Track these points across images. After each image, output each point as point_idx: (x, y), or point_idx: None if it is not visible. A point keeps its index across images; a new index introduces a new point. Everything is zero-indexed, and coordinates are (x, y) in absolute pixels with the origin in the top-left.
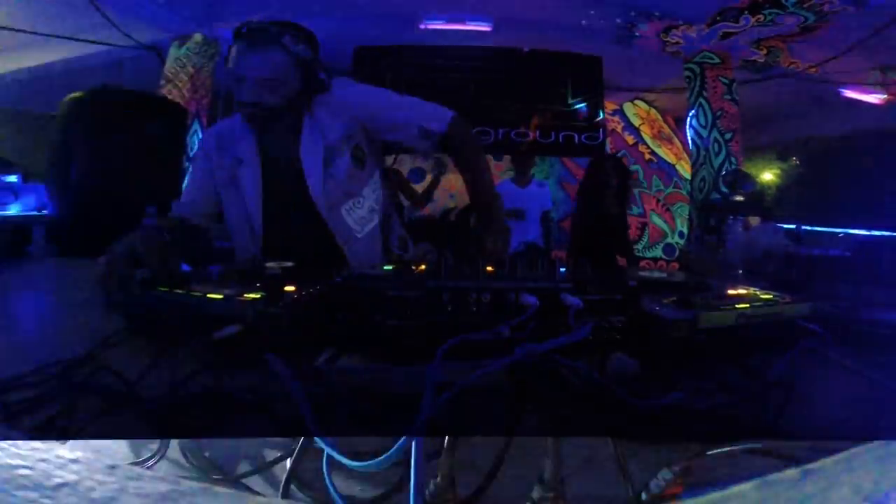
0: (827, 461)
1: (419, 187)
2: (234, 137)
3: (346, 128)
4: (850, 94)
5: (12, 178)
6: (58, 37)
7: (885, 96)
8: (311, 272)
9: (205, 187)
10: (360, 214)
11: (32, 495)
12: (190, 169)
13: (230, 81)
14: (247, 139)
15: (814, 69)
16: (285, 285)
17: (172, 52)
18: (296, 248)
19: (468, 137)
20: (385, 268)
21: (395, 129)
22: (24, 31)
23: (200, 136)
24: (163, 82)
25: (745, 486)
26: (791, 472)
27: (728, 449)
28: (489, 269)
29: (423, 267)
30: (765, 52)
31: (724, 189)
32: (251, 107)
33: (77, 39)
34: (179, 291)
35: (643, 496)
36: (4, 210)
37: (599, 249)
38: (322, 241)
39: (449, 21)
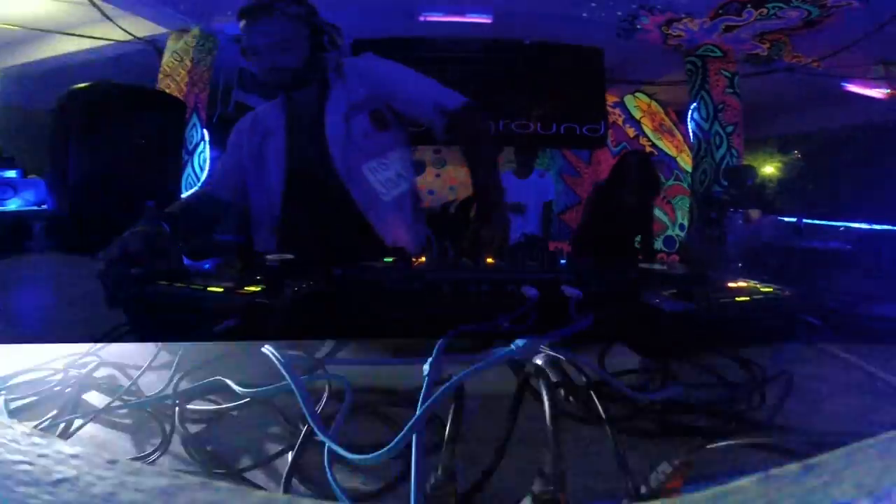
0: (828, 456)
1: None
2: (267, 115)
3: (368, 93)
4: (852, 88)
5: (11, 174)
6: (55, 32)
7: (888, 91)
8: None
9: (231, 169)
10: (386, 176)
11: (32, 491)
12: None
13: (251, 59)
14: (276, 111)
15: (817, 63)
16: (285, 278)
17: (170, 46)
18: (317, 222)
19: (480, 125)
20: (385, 259)
21: (411, 103)
22: (22, 28)
23: (199, 129)
24: (160, 76)
25: (744, 481)
26: (791, 467)
27: (728, 443)
28: (489, 260)
29: (423, 259)
30: (768, 45)
31: (724, 182)
32: (271, 72)
33: (74, 35)
34: (179, 285)
35: (643, 490)
36: (4, 205)
37: (617, 245)
38: (343, 208)
39: (448, 13)
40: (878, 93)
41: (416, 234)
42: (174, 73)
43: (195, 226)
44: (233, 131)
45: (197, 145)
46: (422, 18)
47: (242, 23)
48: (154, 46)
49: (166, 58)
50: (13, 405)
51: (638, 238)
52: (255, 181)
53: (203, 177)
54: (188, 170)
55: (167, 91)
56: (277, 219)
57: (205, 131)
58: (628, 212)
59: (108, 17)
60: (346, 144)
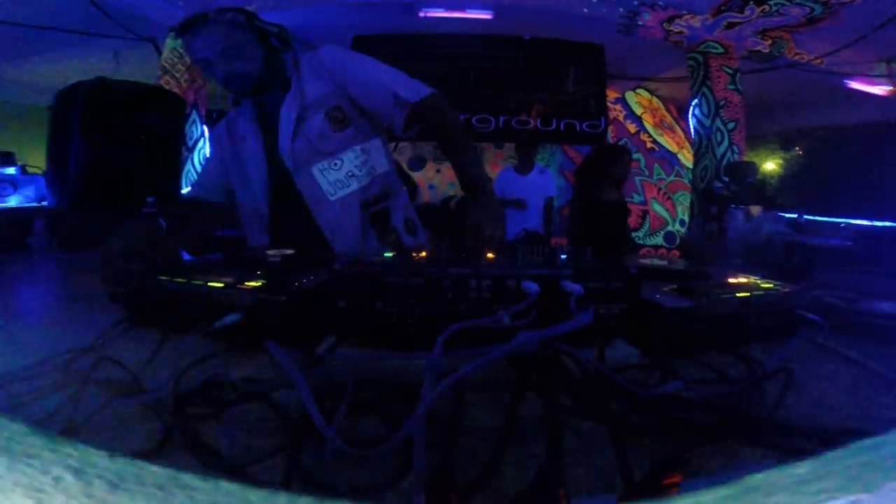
0: (827, 452)
1: (419, 176)
2: (238, 120)
3: (325, 88)
4: (855, 85)
5: (11, 170)
6: (55, 29)
7: (891, 88)
8: (312, 258)
9: (214, 172)
10: (335, 177)
11: (33, 486)
12: (205, 156)
13: (206, 73)
14: (246, 116)
15: (819, 61)
16: (286, 273)
17: (169, 43)
18: (292, 218)
19: (445, 115)
20: (385, 255)
21: (371, 95)
22: (23, 25)
23: (199, 126)
24: (160, 73)
25: (743, 477)
26: (790, 463)
27: (727, 439)
28: (490, 256)
29: (423, 254)
30: (770, 42)
31: (725, 178)
32: (230, 80)
33: (74, 32)
34: (180, 280)
35: (641, 485)
36: (4, 202)
37: (599, 237)
38: (301, 211)
39: (449, 9)
40: (880, 90)
41: (363, 233)
42: (173, 70)
43: (190, 224)
44: (211, 137)
45: (197, 142)
46: (422, 14)
47: (183, 40)
48: (153, 43)
49: (165, 54)
50: (16, 402)
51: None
52: (240, 184)
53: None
54: (188, 166)
55: (167, 87)
56: (266, 220)
57: (205, 128)
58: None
59: (107, 15)
60: (296, 144)
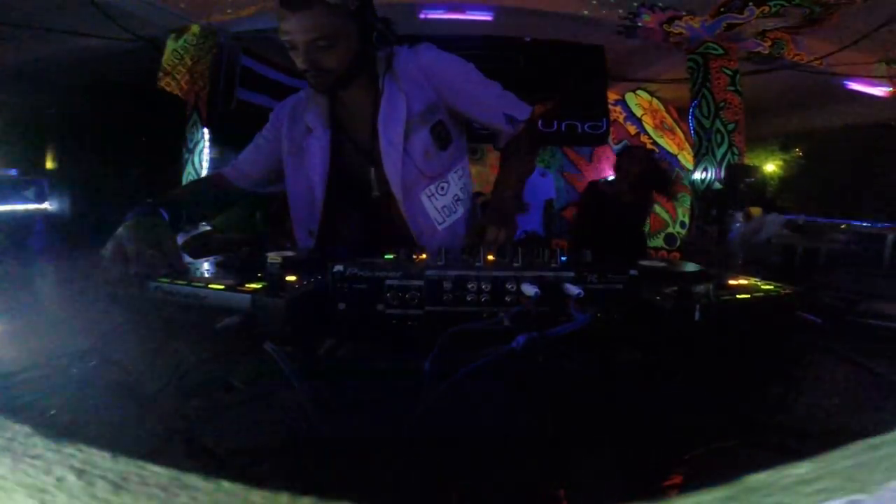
0: (826, 452)
1: None
2: (306, 106)
3: (430, 100)
4: (855, 86)
5: (12, 172)
6: (56, 30)
7: (890, 89)
8: (313, 260)
9: (263, 153)
10: (443, 203)
11: (36, 486)
12: (258, 133)
13: (289, 53)
14: (317, 108)
15: (819, 62)
16: (286, 275)
17: (170, 45)
18: (360, 233)
19: (536, 135)
20: (385, 257)
21: (482, 110)
22: (24, 26)
23: (199, 127)
24: (161, 75)
25: (742, 478)
26: (789, 464)
27: (727, 440)
28: (490, 257)
29: (423, 256)
30: (769, 43)
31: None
32: (312, 73)
33: (75, 33)
34: (180, 282)
35: (641, 486)
36: (5, 203)
37: (612, 242)
38: (393, 227)
39: (448, 11)
40: (880, 91)
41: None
42: (174, 71)
43: (200, 206)
44: (271, 117)
45: (197, 143)
46: (422, 16)
47: (280, 10)
48: (154, 45)
49: (167, 56)
50: (18, 403)
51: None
52: (293, 179)
53: (203, 173)
54: (188, 167)
55: (167, 89)
56: (316, 225)
57: (205, 130)
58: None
59: (108, 16)
60: (404, 166)
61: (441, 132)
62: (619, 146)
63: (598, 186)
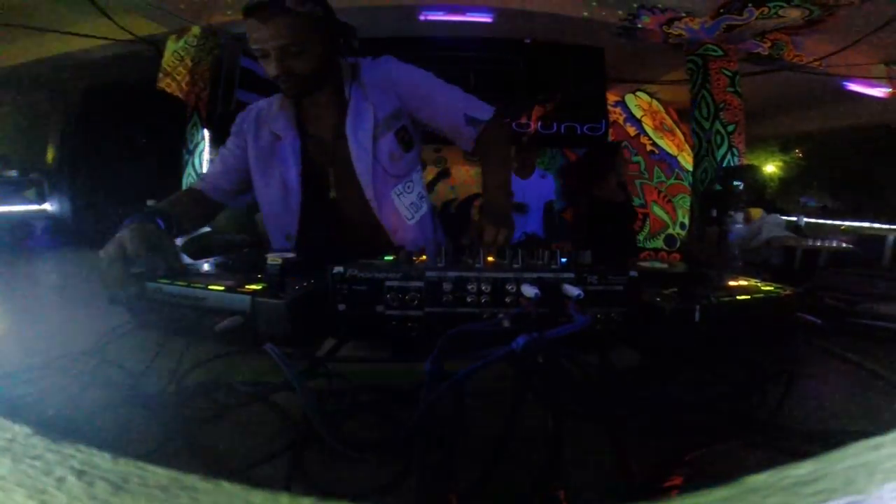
0: (826, 453)
1: None
2: (272, 114)
3: (394, 106)
4: (854, 87)
5: (12, 173)
6: (56, 31)
7: (890, 90)
8: (313, 262)
9: (231, 165)
10: (410, 200)
11: (35, 487)
12: (222, 147)
13: (259, 62)
14: (285, 115)
15: (818, 63)
16: (286, 276)
17: (170, 46)
18: (337, 233)
19: (506, 132)
20: (385, 258)
21: (442, 114)
22: (23, 27)
23: (200, 128)
24: (161, 76)
25: (743, 479)
26: (790, 465)
27: (727, 441)
28: (490, 259)
29: (423, 257)
30: (769, 45)
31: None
32: (284, 78)
33: (74, 34)
34: (180, 283)
35: (641, 487)
36: (5, 204)
37: (605, 238)
38: (368, 226)
39: (448, 12)
40: (879, 92)
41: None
42: (175, 72)
43: (188, 219)
44: (233, 130)
45: (197, 145)
46: (422, 18)
47: (250, 21)
48: (154, 46)
49: (167, 57)
50: (19, 403)
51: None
52: (264, 186)
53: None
54: (188, 168)
55: (168, 90)
56: (295, 229)
57: (205, 130)
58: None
59: (108, 16)
60: (374, 168)
61: (405, 136)
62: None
63: (591, 190)
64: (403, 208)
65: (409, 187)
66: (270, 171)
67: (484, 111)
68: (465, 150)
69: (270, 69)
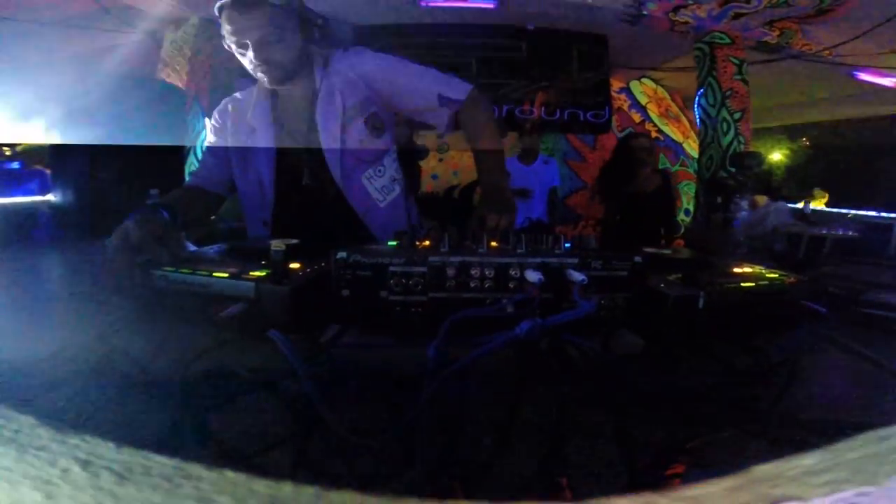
0: (833, 444)
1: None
2: (247, 106)
3: (363, 94)
4: (864, 77)
5: (15, 165)
6: (55, 25)
7: None
8: (321, 246)
9: (218, 158)
10: (381, 183)
11: (41, 477)
12: (206, 146)
13: (236, 52)
14: (260, 106)
15: (828, 52)
16: (289, 263)
17: (168, 36)
18: (310, 218)
19: (486, 110)
20: (389, 244)
21: (413, 97)
22: (23, 21)
23: (201, 118)
24: (160, 66)
25: (750, 468)
26: (797, 455)
27: (730, 430)
28: (493, 244)
29: (427, 243)
30: (777, 33)
31: (731, 168)
32: (264, 68)
33: (73, 26)
34: (184, 271)
35: (646, 475)
36: (8, 196)
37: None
38: (339, 210)
39: None
40: (890, 82)
41: (413, 229)
42: (174, 63)
43: (191, 215)
44: (213, 122)
45: (199, 134)
46: (423, 4)
47: (226, 14)
48: (152, 37)
49: (166, 47)
50: (23, 394)
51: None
52: (242, 175)
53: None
54: (191, 158)
55: (167, 80)
56: (269, 215)
57: (206, 120)
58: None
59: (105, 8)
60: (343, 154)
61: (375, 122)
62: (623, 133)
63: (612, 181)
64: (375, 191)
65: (379, 171)
66: (247, 162)
67: (458, 89)
68: (442, 131)
69: (248, 60)
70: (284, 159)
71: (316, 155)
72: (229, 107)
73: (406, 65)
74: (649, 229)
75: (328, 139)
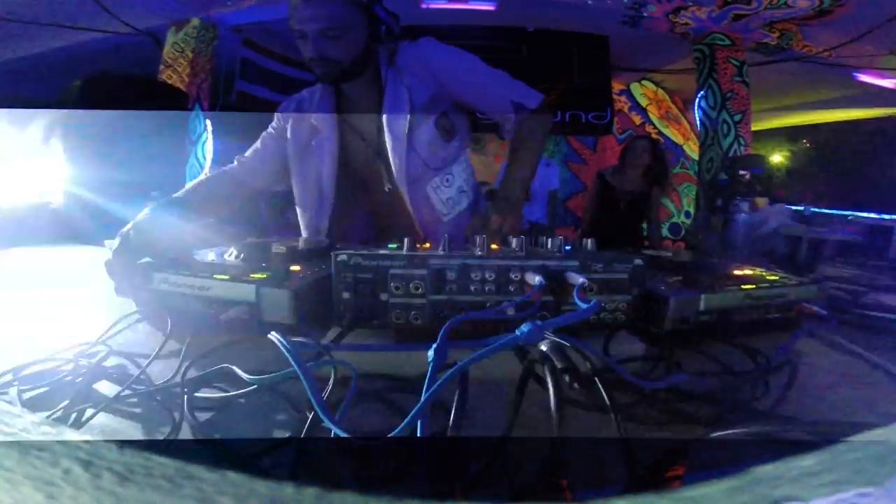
0: (834, 445)
1: None
2: (312, 104)
3: (432, 91)
4: (864, 78)
5: None
6: (56, 25)
7: None
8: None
9: (271, 152)
10: (448, 194)
11: (42, 478)
12: (262, 136)
13: (297, 42)
14: (324, 104)
15: (828, 53)
16: (291, 265)
17: (170, 38)
18: (367, 225)
19: (550, 122)
20: (390, 245)
21: (486, 100)
22: (23, 22)
23: (202, 119)
24: (162, 67)
25: (749, 469)
26: (799, 456)
27: (730, 432)
28: (494, 246)
29: (427, 245)
30: (777, 34)
31: (735, 170)
32: (318, 63)
33: (74, 27)
34: (186, 273)
35: (646, 477)
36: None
37: (620, 231)
38: (398, 219)
39: (451, 0)
40: (889, 84)
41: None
42: (175, 64)
43: (205, 208)
44: (276, 116)
45: (200, 135)
46: (424, 6)
47: (294, 1)
48: (154, 38)
49: (167, 49)
50: (25, 395)
51: (644, 225)
52: (301, 176)
53: (207, 164)
54: (191, 159)
55: (169, 81)
56: (325, 224)
57: (207, 121)
58: (634, 198)
59: (107, 10)
60: (409, 158)
61: (445, 124)
62: (624, 136)
63: (604, 176)
64: (439, 203)
65: (447, 181)
66: (307, 165)
67: (532, 98)
68: (503, 138)
69: (306, 51)
70: (346, 162)
71: (383, 159)
72: (294, 102)
73: (478, 63)
74: (631, 230)
75: (394, 142)
